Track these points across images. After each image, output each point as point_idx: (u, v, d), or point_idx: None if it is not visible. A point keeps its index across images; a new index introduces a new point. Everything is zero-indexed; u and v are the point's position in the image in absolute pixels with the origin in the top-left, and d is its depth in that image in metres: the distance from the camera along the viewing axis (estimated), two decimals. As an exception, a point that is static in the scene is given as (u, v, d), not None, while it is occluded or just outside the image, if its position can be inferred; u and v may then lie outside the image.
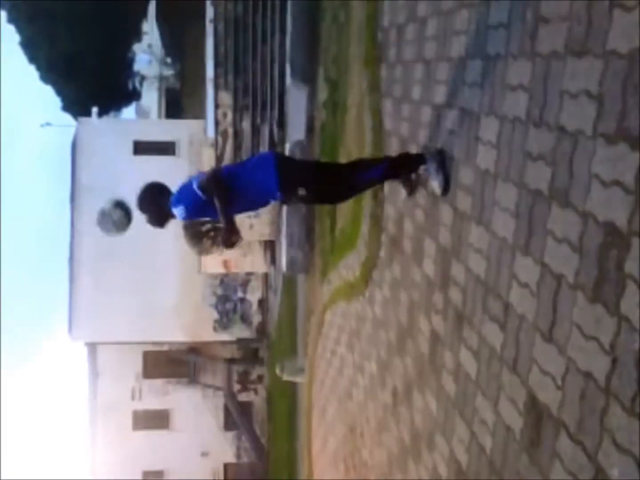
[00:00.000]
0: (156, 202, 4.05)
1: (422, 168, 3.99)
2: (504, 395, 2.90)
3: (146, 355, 22.20)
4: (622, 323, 2.09)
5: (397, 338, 4.94)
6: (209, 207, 3.87)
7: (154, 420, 22.43)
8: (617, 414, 2.08)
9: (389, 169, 4.02)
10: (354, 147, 7.14)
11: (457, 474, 3.43)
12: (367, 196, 6.29)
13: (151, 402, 22.36)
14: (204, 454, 22.10)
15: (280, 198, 3.94)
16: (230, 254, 19.47)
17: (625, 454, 2.02)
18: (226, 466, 22.29)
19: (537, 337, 2.63)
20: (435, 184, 3.88)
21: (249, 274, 20.61)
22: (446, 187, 3.79)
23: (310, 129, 10.15)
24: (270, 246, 17.50)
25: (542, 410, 2.54)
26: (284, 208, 10.98)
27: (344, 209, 7.80)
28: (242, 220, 15.38)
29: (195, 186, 3.83)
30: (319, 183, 3.88)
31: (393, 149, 5.15)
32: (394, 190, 5.24)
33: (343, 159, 7.89)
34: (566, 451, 2.35)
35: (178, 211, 3.96)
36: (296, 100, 10.19)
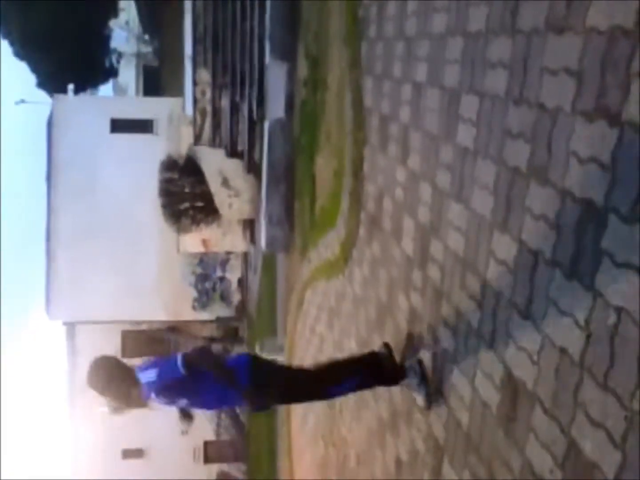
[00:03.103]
0: (115, 375, 3.55)
1: (403, 382, 3.75)
2: (481, 371, 2.93)
3: (125, 334, 22.11)
4: (597, 299, 2.12)
5: (377, 315, 4.97)
6: (184, 386, 3.51)
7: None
8: (591, 389, 2.11)
9: (365, 378, 3.81)
10: (334, 124, 7.11)
11: (435, 449, 3.47)
12: (347, 174, 6.29)
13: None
14: (184, 432, 22.17)
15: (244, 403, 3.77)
16: (209, 232, 19.39)
17: (598, 427, 2.05)
18: (206, 444, 22.40)
19: (514, 314, 2.66)
20: (419, 398, 3.64)
21: (228, 253, 20.55)
22: (429, 400, 3.54)
23: (290, 106, 10.07)
24: (249, 225, 17.44)
25: (517, 386, 2.58)
26: (264, 186, 10.92)
27: (324, 187, 7.79)
28: (222, 200, 15.24)
29: (179, 362, 3.46)
30: (290, 391, 3.75)
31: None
32: (373, 167, 5.24)
33: (323, 143, 7.85)
34: (541, 425, 2.39)
35: (147, 375, 3.49)
36: (276, 77, 10.10)
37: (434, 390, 3.49)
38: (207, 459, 21.95)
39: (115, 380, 3.50)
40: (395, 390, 4.29)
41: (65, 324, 21.97)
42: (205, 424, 22.12)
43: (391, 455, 4.29)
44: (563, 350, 2.27)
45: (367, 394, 5.08)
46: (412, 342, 3.91)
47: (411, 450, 3.88)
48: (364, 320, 5.37)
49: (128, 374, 3.49)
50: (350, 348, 5.83)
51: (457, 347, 3.24)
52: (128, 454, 22.21)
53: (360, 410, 5.28)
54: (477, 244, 3.07)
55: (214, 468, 22.13)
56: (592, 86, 2.19)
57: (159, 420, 22.09)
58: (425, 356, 3.69)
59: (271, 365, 4.04)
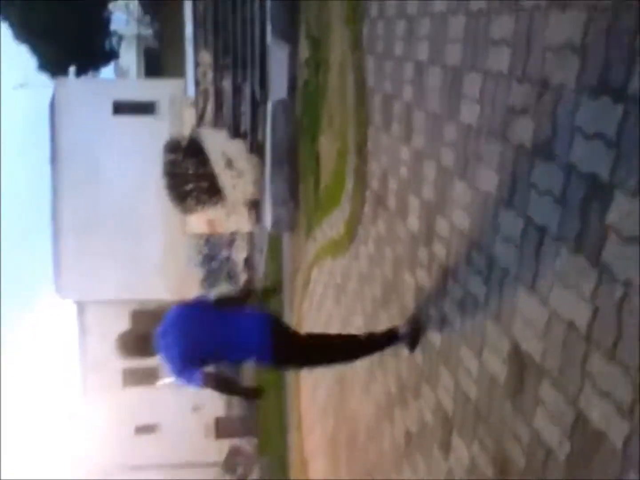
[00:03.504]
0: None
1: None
2: (488, 346, 2.98)
3: (134, 314, 22.28)
4: (603, 273, 2.15)
5: (382, 293, 5.02)
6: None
7: (144, 377, 22.66)
8: (598, 361, 2.15)
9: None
10: (336, 104, 7.10)
11: (443, 422, 3.53)
12: (351, 153, 6.30)
13: (140, 360, 22.54)
14: (195, 409, 22.45)
15: (270, 363, 3.92)
16: (214, 213, 19.43)
17: (605, 398, 2.10)
18: (217, 420, 22.69)
19: (520, 289, 2.70)
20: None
21: (233, 233, 20.61)
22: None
23: (292, 87, 10.02)
24: (254, 205, 17.45)
25: (525, 359, 2.62)
26: (268, 167, 10.93)
27: (328, 167, 7.80)
28: (226, 181, 15.22)
29: (197, 384, 3.70)
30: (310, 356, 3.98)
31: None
32: (377, 146, 5.26)
33: (326, 123, 7.85)
34: (548, 397, 2.44)
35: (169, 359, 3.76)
36: (277, 58, 10.04)
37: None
38: (219, 435, 22.23)
39: (137, 350, 3.98)
40: (404, 364, 4.36)
41: (75, 302, 22.17)
42: (216, 400, 22.36)
43: (400, 428, 4.36)
44: (570, 324, 2.31)
45: (375, 368, 5.15)
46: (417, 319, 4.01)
47: (420, 423, 3.95)
48: (370, 297, 5.43)
49: (148, 344, 3.81)
50: (358, 326, 5.89)
51: (464, 322, 3.29)
52: (141, 430, 22.51)
53: (370, 385, 5.35)
54: (483, 220, 3.10)
55: (226, 443, 22.40)
56: (596, 62, 2.20)
57: (171, 397, 22.37)
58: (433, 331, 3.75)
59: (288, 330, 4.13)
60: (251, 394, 4.75)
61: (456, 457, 3.33)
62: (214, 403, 22.41)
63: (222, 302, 3.92)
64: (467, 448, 3.17)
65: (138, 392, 22.48)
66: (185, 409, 22.39)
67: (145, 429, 22.60)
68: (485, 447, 2.97)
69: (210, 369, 3.78)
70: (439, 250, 3.71)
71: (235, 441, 22.14)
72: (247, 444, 21.96)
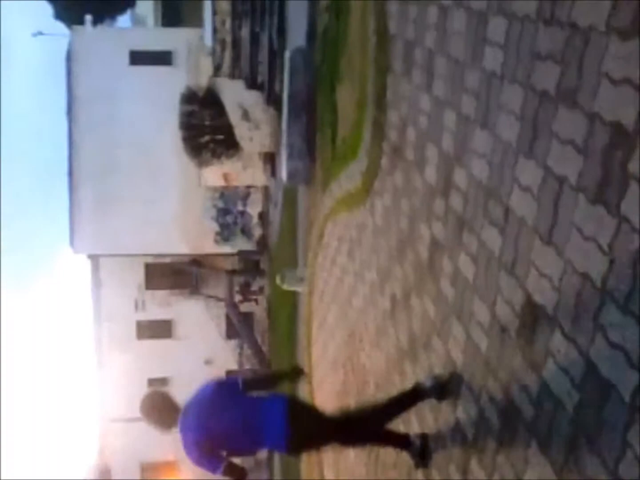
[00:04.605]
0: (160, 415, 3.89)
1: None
2: (501, 298, 2.95)
3: (148, 267, 22.48)
4: (622, 224, 2.10)
5: (397, 246, 4.99)
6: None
7: (158, 330, 23.01)
8: (611, 312, 2.12)
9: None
10: (356, 52, 6.94)
11: (452, 374, 3.54)
12: (369, 103, 6.19)
13: (154, 313, 22.86)
14: (208, 362, 22.79)
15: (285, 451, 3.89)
16: (230, 167, 19.36)
17: (616, 350, 2.07)
18: (229, 373, 23.05)
19: (536, 240, 2.65)
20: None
21: (249, 186, 20.57)
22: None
23: (311, 35, 9.83)
24: (270, 158, 17.37)
25: (538, 311, 2.59)
26: (285, 118, 10.81)
27: (346, 117, 7.69)
28: (242, 133, 15.08)
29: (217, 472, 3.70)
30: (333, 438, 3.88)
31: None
32: (396, 95, 5.15)
33: (345, 72, 7.70)
34: (559, 348, 2.42)
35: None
36: (296, 5, 9.82)
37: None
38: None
39: (159, 419, 3.85)
40: (415, 321, 4.36)
41: (89, 256, 22.35)
42: (228, 354, 22.71)
43: (410, 381, 4.38)
44: (585, 275, 2.27)
45: (387, 322, 5.16)
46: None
47: (430, 375, 3.96)
48: (385, 250, 5.40)
49: (171, 417, 3.80)
50: (371, 279, 5.89)
51: (478, 273, 3.25)
52: (153, 382, 22.94)
53: (380, 338, 5.37)
54: (502, 171, 3.04)
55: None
56: (628, 1, 2.10)
57: (183, 351, 22.74)
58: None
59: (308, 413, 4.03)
60: (294, 376, 4.67)
61: (464, 409, 3.34)
62: (226, 357, 22.76)
63: (253, 384, 3.94)
64: (476, 399, 3.18)
65: (151, 345, 22.84)
66: (198, 362, 22.74)
67: (157, 382, 23.02)
68: (493, 398, 2.97)
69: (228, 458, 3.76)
70: (456, 201, 3.65)
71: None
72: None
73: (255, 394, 3.89)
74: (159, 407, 3.83)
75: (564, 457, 2.33)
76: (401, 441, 4.04)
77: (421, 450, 3.84)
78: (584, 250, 2.30)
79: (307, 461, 10.99)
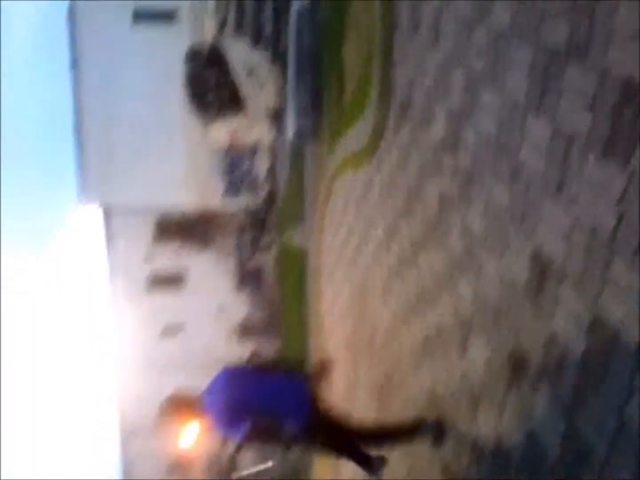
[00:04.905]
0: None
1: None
2: (510, 250, 3.03)
3: (158, 221, 22.66)
4: (631, 178, 2.15)
5: (405, 203, 5.04)
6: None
7: (170, 281, 23.31)
8: (619, 266, 2.19)
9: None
10: (363, 9, 6.88)
11: (461, 326, 3.64)
12: (376, 61, 6.16)
13: (166, 265, 23.12)
14: (220, 310, 23.14)
15: (297, 432, 3.90)
16: (236, 124, 19.27)
17: (623, 301, 2.15)
18: (241, 322, 23.38)
19: (546, 195, 2.71)
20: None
21: (256, 143, 20.52)
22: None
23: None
24: (276, 116, 17.28)
25: (546, 264, 2.67)
26: (291, 76, 10.73)
27: (353, 75, 7.65)
28: (247, 90, 14.94)
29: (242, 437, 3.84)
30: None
31: None
32: (403, 53, 5.14)
33: (352, 29, 7.62)
34: (567, 299, 2.50)
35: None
36: (301, -41, 9.66)
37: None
38: (242, 335, 22.98)
39: (181, 417, 4.00)
40: (425, 274, 4.44)
41: (102, 209, 22.52)
42: (240, 304, 23.02)
43: (418, 331, 4.49)
44: (593, 230, 2.33)
45: (393, 277, 5.25)
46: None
47: (438, 328, 4.07)
48: (392, 208, 5.46)
49: (191, 412, 3.95)
50: (378, 236, 5.96)
51: (488, 227, 3.32)
52: (167, 330, 23.32)
53: (387, 294, 5.47)
54: (511, 126, 3.07)
55: (249, 345, 23.15)
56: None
57: (196, 301, 23.05)
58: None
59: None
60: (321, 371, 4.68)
61: (472, 357, 3.44)
62: (238, 305, 23.03)
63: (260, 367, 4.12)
64: (484, 348, 3.28)
65: (165, 296, 23.15)
66: (210, 311, 23.06)
67: (171, 330, 23.37)
68: (501, 347, 3.06)
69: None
70: (464, 157, 3.70)
71: (257, 344, 22.89)
72: (269, 347, 22.71)
73: (269, 373, 4.05)
74: (179, 406, 3.98)
75: (571, 401, 2.43)
76: (418, 428, 4.08)
77: (437, 433, 3.90)
78: (593, 204, 2.36)
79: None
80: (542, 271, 2.69)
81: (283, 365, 4.34)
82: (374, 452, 4.17)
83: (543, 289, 2.67)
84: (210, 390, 3.96)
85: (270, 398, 3.86)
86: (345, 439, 4.09)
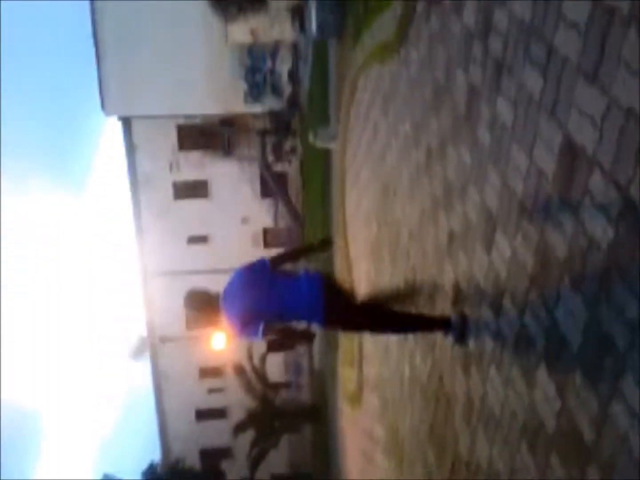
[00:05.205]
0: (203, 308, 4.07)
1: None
2: (540, 141, 2.93)
3: (180, 129, 22.49)
4: (672, 56, 2.03)
5: (433, 96, 4.89)
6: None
7: (194, 190, 23.46)
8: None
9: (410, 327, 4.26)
10: None
11: (487, 220, 3.60)
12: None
13: (189, 174, 23.21)
14: (244, 220, 23.38)
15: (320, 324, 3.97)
16: (257, 21, 18.64)
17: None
18: (265, 230, 23.69)
19: (580, 79, 2.58)
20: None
21: (277, 42, 19.93)
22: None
23: None
24: (298, 12, 16.66)
25: (577, 152, 2.58)
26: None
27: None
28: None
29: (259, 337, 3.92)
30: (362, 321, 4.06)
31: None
32: None
33: None
34: (597, 188, 2.43)
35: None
36: None
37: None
38: (266, 244, 23.34)
39: (202, 312, 4.06)
40: (451, 171, 4.37)
41: (121, 119, 22.37)
42: (263, 212, 23.18)
43: (444, 229, 4.48)
44: (629, 111, 2.23)
45: (421, 174, 5.18)
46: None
47: (464, 223, 4.04)
48: (420, 103, 5.30)
49: (212, 308, 4.02)
50: (406, 132, 5.84)
51: (516, 118, 3.21)
52: (193, 240, 23.75)
53: (414, 190, 5.42)
54: (546, 8, 2.90)
55: (272, 254, 23.60)
56: None
57: (220, 210, 23.28)
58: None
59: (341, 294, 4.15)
60: (321, 248, 4.87)
61: (498, 252, 3.43)
62: (262, 215, 23.27)
63: (279, 261, 4.11)
64: (510, 242, 3.25)
65: (189, 206, 23.38)
66: (235, 220, 23.32)
67: (196, 239, 23.78)
68: (527, 240, 3.04)
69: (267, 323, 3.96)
70: (495, 44, 3.52)
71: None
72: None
73: (285, 270, 4.11)
74: (201, 301, 4.06)
75: (596, 291, 2.42)
76: (442, 323, 4.10)
77: (461, 330, 3.90)
78: (630, 85, 2.24)
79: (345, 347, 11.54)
80: (572, 161, 2.61)
81: (300, 253, 4.47)
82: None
83: (572, 179, 2.61)
84: (226, 292, 4.02)
85: (283, 298, 3.91)
86: (375, 317, 4.16)
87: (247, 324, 3.90)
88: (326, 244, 4.86)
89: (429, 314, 4.50)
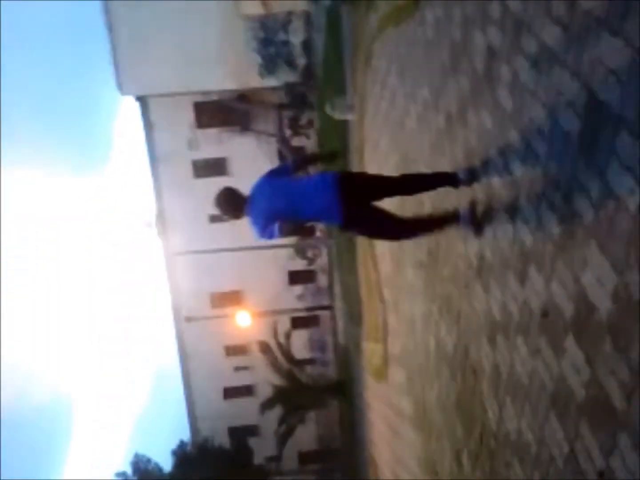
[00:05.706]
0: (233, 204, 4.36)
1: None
2: (563, 100, 2.81)
3: (197, 105, 22.38)
4: None
5: (451, 59, 4.75)
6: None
7: (213, 167, 23.41)
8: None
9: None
10: None
11: (512, 186, 3.50)
12: None
13: (208, 151, 23.14)
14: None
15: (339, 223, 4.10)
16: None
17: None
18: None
19: (604, 33, 2.45)
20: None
21: (290, 13, 19.64)
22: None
23: None
24: (310, -20, 16.34)
25: (602, 110, 2.47)
26: None
27: None
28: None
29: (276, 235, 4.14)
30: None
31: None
32: None
33: None
34: (625, 148, 2.32)
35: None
36: None
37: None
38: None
39: (230, 208, 4.38)
40: (472, 136, 4.25)
41: (137, 98, 22.32)
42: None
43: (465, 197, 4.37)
44: (657, 65, 2.11)
45: (442, 139, 5.06)
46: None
47: (486, 188, 3.93)
48: (438, 65, 5.16)
49: (238, 205, 4.33)
50: (424, 97, 5.70)
51: (538, 77, 3.08)
52: (215, 219, 23.78)
53: (435, 157, 5.30)
54: (566, -41, 2.75)
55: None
56: None
57: (240, 187, 23.23)
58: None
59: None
60: (328, 158, 5.22)
61: (522, 220, 3.33)
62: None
63: (300, 165, 4.51)
64: (535, 209, 3.15)
65: (208, 183, 23.36)
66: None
67: (219, 218, 23.77)
68: (553, 205, 2.93)
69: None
70: (514, 2, 3.38)
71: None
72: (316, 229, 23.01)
73: (305, 173, 4.33)
74: (229, 199, 4.35)
75: (625, 255, 2.32)
76: (452, 217, 4.22)
77: (472, 217, 4.01)
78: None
79: (366, 285, 11.48)
80: (597, 121, 2.49)
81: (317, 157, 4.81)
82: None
83: (597, 140, 2.49)
84: (251, 195, 4.27)
85: (303, 197, 4.07)
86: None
87: (266, 225, 4.12)
88: (334, 154, 5.35)
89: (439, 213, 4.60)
